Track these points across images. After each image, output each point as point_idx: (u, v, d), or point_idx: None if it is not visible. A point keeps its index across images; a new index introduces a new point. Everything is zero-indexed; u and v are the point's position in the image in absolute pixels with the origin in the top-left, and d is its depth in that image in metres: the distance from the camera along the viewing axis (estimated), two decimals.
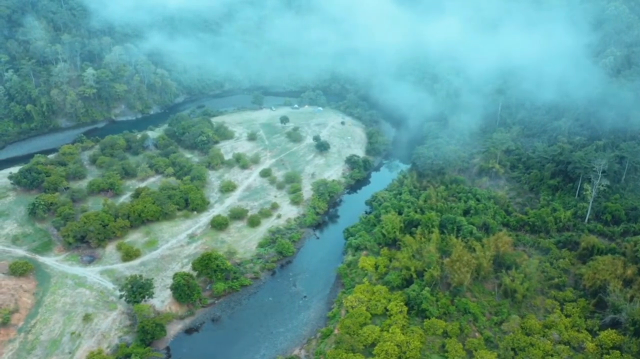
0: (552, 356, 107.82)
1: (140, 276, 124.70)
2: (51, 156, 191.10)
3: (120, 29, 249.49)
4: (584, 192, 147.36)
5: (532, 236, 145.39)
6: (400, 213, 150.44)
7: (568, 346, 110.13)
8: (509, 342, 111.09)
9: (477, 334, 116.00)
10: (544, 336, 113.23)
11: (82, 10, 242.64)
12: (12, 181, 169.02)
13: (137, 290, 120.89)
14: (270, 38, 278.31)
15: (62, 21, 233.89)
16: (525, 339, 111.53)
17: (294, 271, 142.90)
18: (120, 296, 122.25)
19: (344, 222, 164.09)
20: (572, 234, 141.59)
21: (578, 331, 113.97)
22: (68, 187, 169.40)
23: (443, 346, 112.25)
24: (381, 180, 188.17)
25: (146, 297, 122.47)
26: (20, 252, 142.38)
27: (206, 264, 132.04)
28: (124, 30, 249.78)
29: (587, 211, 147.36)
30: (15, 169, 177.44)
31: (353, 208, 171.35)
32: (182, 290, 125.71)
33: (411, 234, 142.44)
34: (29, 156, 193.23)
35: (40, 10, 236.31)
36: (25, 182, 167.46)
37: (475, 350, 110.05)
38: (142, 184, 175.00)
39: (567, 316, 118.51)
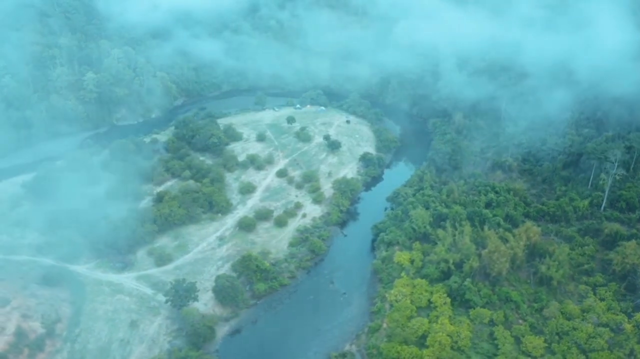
0: (594, 338, 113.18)
1: (184, 279, 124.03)
2: (59, 163, 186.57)
3: (123, 32, 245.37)
4: (600, 182, 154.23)
5: (553, 226, 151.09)
6: (426, 208, 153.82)
7: (608, 328, 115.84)
8: (553, 327, 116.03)
9: (520, 321, 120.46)
10: (583, 319, 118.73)
11: (76, 13, 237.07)
12: (25, 190, 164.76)
13: (183, 294, 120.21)
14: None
15: (57, 24, 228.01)
16: (567, 323, 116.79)
17: (328, 268, 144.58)
18: (166, 301, 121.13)
19: (367, 218, 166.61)
20: (593, 222, 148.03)
21: (615, 313, 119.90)
22: (85, 194, 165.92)
23: (491, 334, 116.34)
24: (395, 176, 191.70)
25: (191, 300, 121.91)
26: (47, 261, 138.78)
27: (247, 265, 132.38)
28: (132, 34, 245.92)
29: (603, 200, 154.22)
30: (24, 177, 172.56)
31: (373, 205, 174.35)
32: (227, 292, 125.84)
33: (440, 228, 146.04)
34: (32, 164, 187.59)
35: (35, 14, 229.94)
36: (40, 190, 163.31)
37: (523, 336, 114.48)
38: (160, 188, 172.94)
39: (601, 299, 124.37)
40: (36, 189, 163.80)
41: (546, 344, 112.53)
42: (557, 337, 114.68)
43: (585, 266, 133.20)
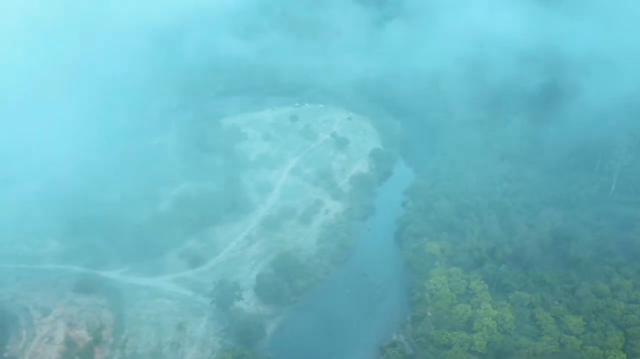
0: (628, 314, 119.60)
1: (225, 279, 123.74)
2: (65, 168, 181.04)
3: (117, 33, 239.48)
4: (610, 168, 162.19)
5: (569, 211, 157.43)
6: (447, 199, 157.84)
7: (638, 305, 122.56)
8: (589, 306, 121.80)
9: (556, 302, 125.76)
10: (614, 297, 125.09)
11: (71, 15, 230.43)
12: (36, 197, 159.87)
13: (228, 294, 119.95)
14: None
15: (54, 27, 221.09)
16: (601, 302, 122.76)
17: (359, 262, 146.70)
18: (212, 302, 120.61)
19: (385, 212, 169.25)
20: (606, 207, 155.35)
21: None
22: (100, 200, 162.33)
23: (532, 316, 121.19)
24: (404, 171, 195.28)
25: (235, 300, 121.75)
26: (76, 269, 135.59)
27: (285, 262, 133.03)
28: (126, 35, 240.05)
29: (611, 185, 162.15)
30: (30, 185, 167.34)
31: (389, 199, 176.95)
32: (270, 290, 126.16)
33: (465, 218, 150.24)
34: (32, 170, 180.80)
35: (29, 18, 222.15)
36: (54, 198, 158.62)
37: (562, 316, 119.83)
38: (175, 191, 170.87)
39: (626, 278, 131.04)
40: (49, 196, 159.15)
41: (585, 323, 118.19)
42: (593, 315, 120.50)
43: (607, 248, 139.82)
